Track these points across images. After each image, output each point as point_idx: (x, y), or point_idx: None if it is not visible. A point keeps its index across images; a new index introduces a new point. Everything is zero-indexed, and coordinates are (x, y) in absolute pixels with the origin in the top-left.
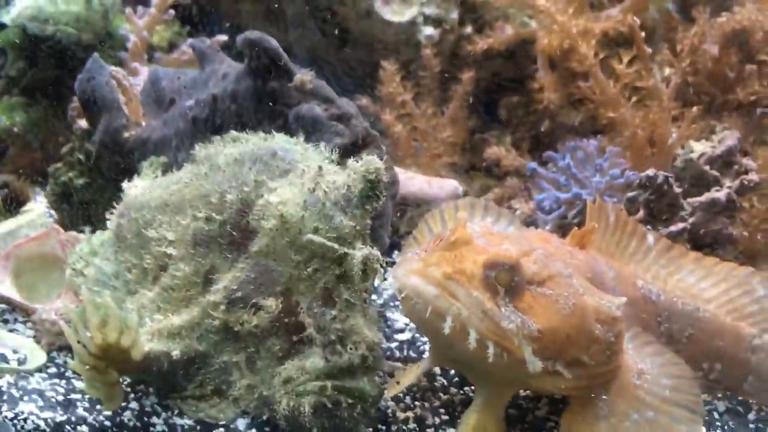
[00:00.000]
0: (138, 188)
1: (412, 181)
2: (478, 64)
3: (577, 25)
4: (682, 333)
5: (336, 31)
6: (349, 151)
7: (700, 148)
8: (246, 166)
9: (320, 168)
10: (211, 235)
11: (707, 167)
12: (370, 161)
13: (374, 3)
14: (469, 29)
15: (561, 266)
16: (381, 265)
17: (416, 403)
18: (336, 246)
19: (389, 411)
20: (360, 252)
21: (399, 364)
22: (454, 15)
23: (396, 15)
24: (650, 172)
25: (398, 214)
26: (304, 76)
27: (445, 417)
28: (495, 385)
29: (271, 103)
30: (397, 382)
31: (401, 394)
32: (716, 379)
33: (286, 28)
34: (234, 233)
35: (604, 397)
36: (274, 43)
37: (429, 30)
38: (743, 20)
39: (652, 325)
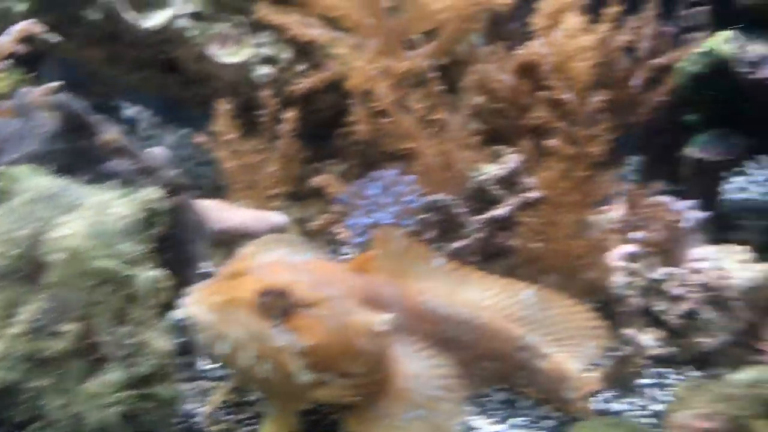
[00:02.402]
0: None
1: (233, 215)
2: (312, 98)
3: (378, 67)
4: (464, 338)
5: (177, 73)
6: None
7: (489, 170)
8: (38, 205)
9: (105, 202)
10: (8, 270)
11: (493, 187)
12: (148, 193)
13: (207, 47)
14: (303, 67)
15: (333, 290)
16: (165, 286)
17: (226, 417)
18: (121, 270)
19: (201, 427)
20: (144, 274)
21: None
22: (288, 54)
23: (230, 56)
24: (437, 196)
25: (224, 247)
26: (109, 135)
27: (253, 429)
28: (282, 399)
29: (83, 161)
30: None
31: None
32: (496, 375)
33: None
34: (29, 267)
35: (380, 401)
36: (78, 106)
37: (264, 69)
38: (532, 54)
39: (437, 334)
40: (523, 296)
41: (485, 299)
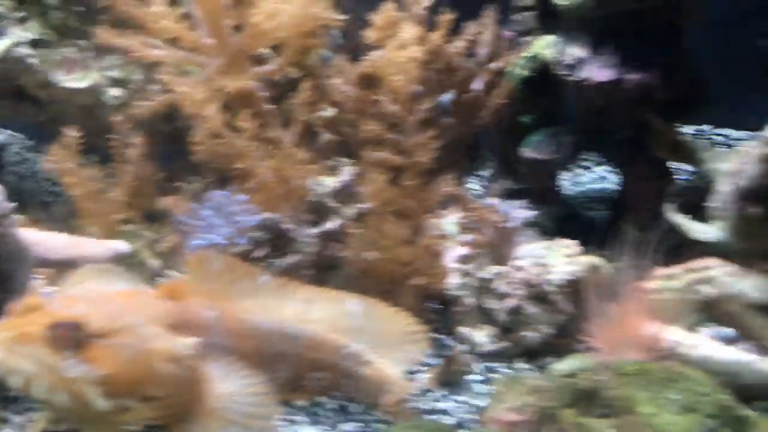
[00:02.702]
0: None
1: (71, 243)
2: (170, 116)
3: (205, 90)
4: (290, 351)
5: (29, 100)
6: None
7: (328, 182)
8: None
9: None
10: None
11: (330, 200)
12: None
13: (52, 73)
14: (156, 88)
15: (133, 319)
16: None
17: None
18: None
19: None
20: None
21: None
22: (139, 76)
23: (77, 81)
24: (267, 214)
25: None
26: None
27: None
28: (92, 426)
29: None
30: None
31: None
32: (325, 384)
33: None
34: None
35: (193, 420)
36: None
37: (114, 92)
38: (370, 66)
39: (263, 350)
40: (347, 307)
41: (311, 312)
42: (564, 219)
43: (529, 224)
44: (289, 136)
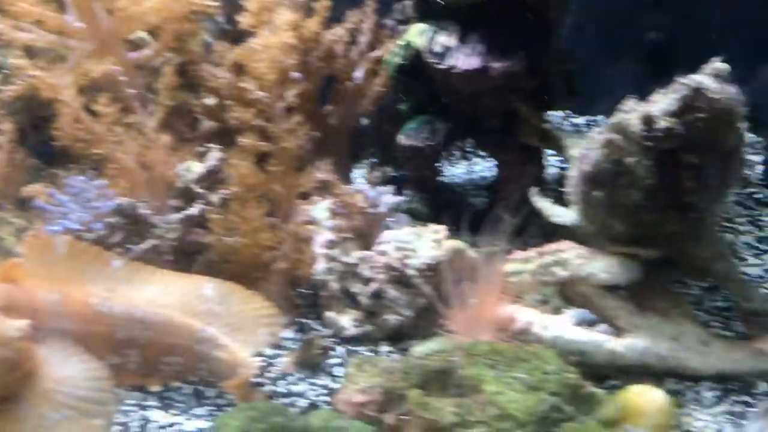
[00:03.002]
0: None
1: None
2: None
3: (66, 75)
4: (142, 335)
5: None
6: None
7: (196, 168)
8: None
9: None
10: None
11: (196, 186)
12: None
13: None
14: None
15: None
16: None
17: None
18: None
19: None
20: None
21: None
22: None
23: None
24: (119, 201)
25: None
26: None
27: None
28: None
29: None
30: None
31: None
32: (180, 369)
33: None
34: None
35: (22, 403)
36: None
37: None
38: (243, 52)
39: (113, 334)
40: (203, 290)
41: (164, 296)
42: (441, 206)
43: (403, 210)
44: (153, 121)
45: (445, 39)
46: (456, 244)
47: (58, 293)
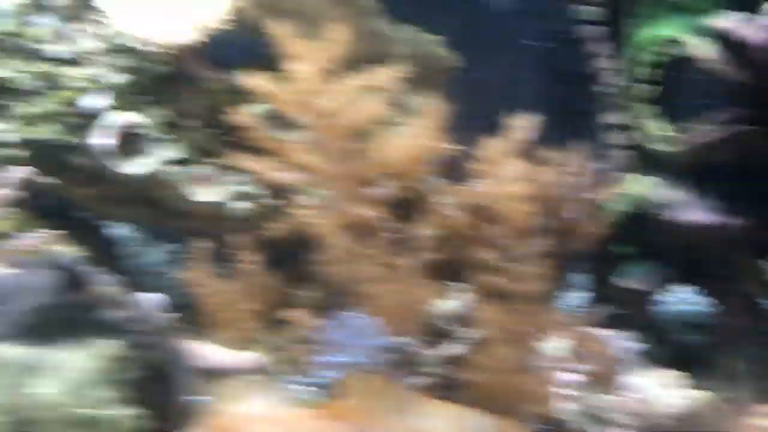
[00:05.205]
0: None
1: (213, 353)
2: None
3: (333, 216)
4: None
5: (160, 208)
6: None
7: (443, 305)
8: (9, 371)
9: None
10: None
11: (445, 323)
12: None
13: (186, 187)
14: (278, 203)
15: None
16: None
17: None
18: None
19: None
20: (118, 414)
21: None
22: (262, 191)
23: (207, 195)
24: (397, 337)
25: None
26: (103, 287)
27: None
28: None
29: (79, 313)
30: None
31: None
32: None
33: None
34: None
35: None
36: (73, 260)
37: (239, 205)
38: (480, 195)
39: None
40: (474, 423)
41: (445, 427)
42: (661, 346)
43: (633, 354)
44: (409, 260)
45: (676, 193)
46: (699, 392)
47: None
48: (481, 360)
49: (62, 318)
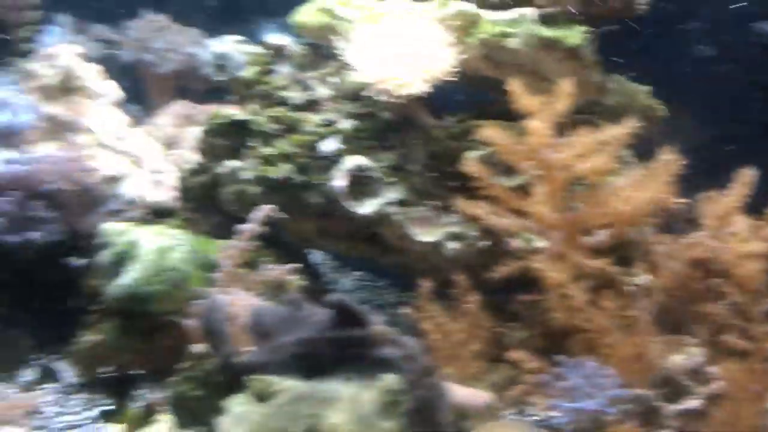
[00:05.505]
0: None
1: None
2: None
3: (558, 262)
4: None
5: (379, 245)
6: None
7: (676, 360)
8: (301, 403)
9: (357, 392)
10: None
11: (681, 378)
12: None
13: (408, 227)
14: (487, 243)
15: None
16: None
17: None
18: None
19: None
20: None
21: None
22: (474, 232)
23: (426, 236)
24: (637, 390)
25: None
26: (378, 327)
27: None
28: None
29: (354, 349)
30: None
31: None
32: None
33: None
34: None
35: None
36: (356, 307)
37: (452, 244)
38: (703, 247)
39: None
40: None
41: None
42: None
43: None
44: (642, 311)
45: None
46: None
47: None
48: (719, 416)
49: (340, 352)
